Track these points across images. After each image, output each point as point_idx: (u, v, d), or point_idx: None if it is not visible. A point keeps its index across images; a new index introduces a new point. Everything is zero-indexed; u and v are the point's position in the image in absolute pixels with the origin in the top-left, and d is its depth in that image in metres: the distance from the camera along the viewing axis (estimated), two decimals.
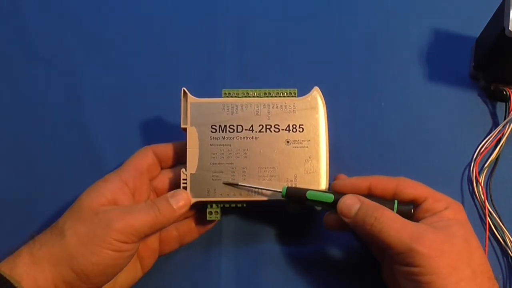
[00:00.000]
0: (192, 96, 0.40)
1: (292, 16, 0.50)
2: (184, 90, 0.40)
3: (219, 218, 0.39)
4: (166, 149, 0.41)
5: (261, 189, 0.39)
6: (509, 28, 0.40)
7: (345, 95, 0.47)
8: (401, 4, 0.50)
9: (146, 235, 0.36)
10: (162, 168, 0.41)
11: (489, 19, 0.44)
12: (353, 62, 0.48)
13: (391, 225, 0.34)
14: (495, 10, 0.43)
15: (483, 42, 0.46)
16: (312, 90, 0.41)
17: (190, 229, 0.41)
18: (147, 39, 0.50)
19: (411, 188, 0.37)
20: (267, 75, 0.48)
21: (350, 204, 0.36)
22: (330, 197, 0.37)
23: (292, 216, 0.44)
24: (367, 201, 0.36)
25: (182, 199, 0.38)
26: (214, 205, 0.39)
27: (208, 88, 0.47)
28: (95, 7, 0.51)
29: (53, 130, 0.47)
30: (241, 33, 0.50)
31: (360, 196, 0.37)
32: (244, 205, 0.40)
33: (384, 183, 0.38)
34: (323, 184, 0.39)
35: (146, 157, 0.40)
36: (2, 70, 0.49)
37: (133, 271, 0.39)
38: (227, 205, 0.40)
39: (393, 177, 0.38)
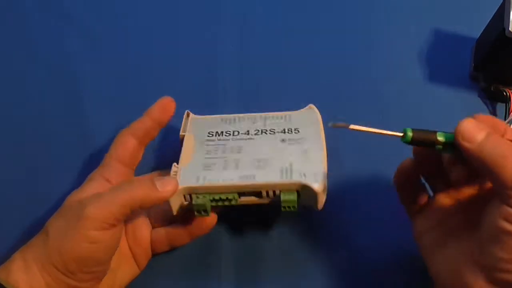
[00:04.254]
0: (194, 116, 0.41)
1: (291, 16, 0.50)
2: (187, 112, 0.41)
3: (208, 215, 0.37)
4: (143, 124, 0.39)
5: (379, 133, 0.34)
6: (509, 29, 0.40)
7: (344, 96, 0.47)
8: (401, 5, 0.50)
9: (121, 215, 0.34)
10: (146, 144, 0.40)
11: (489, 19, 0.44)
12: (353, 63, 0.48)
13: None
14: (495, 11, 0.43)
15: (483, 42, 0.45)
16: (307, 106, 0.41)
17: (180, 234, 0.39)
18: (147, 39, 0.50)
19: None
20: (265, 71, 0.48)
21: (476, 127, 0.31)
22: None
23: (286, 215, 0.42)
24: (494, 133, 0.31)
25: (170, 184, 0.35)
26: (201, 196, 0.36)
27: (207, 87, 0.48)
28: (95, 7, 0.51)
29: (53, 130, 0.47)
30: (242, 30, 0.50)
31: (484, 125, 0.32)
32: (237, 200, 0.37)
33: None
34: (322, 171, 0.36)
35: (127, 144, 0.39)
36: (2, 70, 0.49)
37: (129, 268, 0.39)
38: (217, 198, 0.36)
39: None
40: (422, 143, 0.33)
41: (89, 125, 0.47)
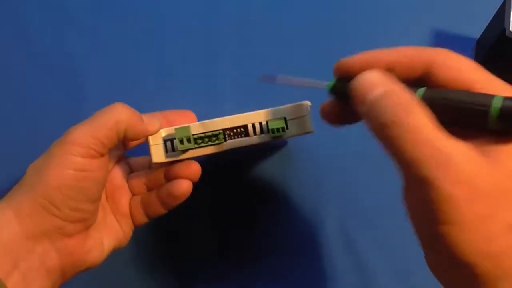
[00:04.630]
0: None
1: (291, 16, 0.50)
2: None
3: (192, 145, 0.35)
4: (156, 115, 0.37)
5: (307, 84, 0.33)
6: (510, 29, 0.40)
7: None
8: (402, 5, 0.50)
9: (108, 141, 0.32)
10: None
11: (489, 20, 0.44)
12: None
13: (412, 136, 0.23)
14: (495, 11, 0.43)
15: (484, 43, 0.45)
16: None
17: (153, 202, 0.37)
18: (147, 39, 0.50)
19: (450, 69, 0.25)
20: (265, 70, 0.48)
21: (371, 83, 0.25)
22: None
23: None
24: (397, 89, 0.25)
25: (154, 120, 0.35)
26: (182, 129, 0.34)
27: (207, 87, 0.48)
28: (96, 6, 0.51)
29: (53, 131, 0.47)
30: (241, 28, 0.50)
31: (390, 77, 0.25)
32: (222, 140, 0.35)
33: (409, 63, 0.26)
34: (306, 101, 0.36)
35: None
36: (2, 70, 0.49)
37: (114, 229, 0.36)
38: (202, 136, 0.35)
39: (428, 49, 0.27)
40: (343, 93, 0.29)
41: None
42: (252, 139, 0.35)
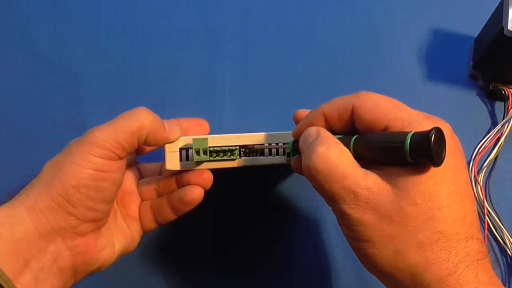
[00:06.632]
0: None
1: (291, 16, 0.50)
2: None
3: (208, 157, 0.35)
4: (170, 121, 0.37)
5: (272, 147, 0.35)
6: (508, 28, 0.40)
7: (344, 94, 0.47)
8: (400, 4, 0.50)
9: (128, 145, 0.32)
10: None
11: (488, 18, 0.44)
12: (352, 62, 0.48)
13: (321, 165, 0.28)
14: (494, 10, 0.43)
15: (482, 41, 0.46)
16: None
17: (163, 207, 0.37)
18: (147, 39, 0.50)
19: (366, 113, 0.29)
20: (265, 71, 0.49)
21: (309, 135, 0.31)
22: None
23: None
24: (324, 136, 0.30)
25: (176, 128, 0.35)
26: (200, 140, 0.34)
27: (208, 86, 0.48)
28: (96, 7, 0.51)
29: (53, 130, 0.47)
30: (241, 29, 0.50)
31: (323, 130, 0.31)
32: (236, 155, 0.35)
33: (338, 111, 0.31)
34: None
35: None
36: (2, 70, 0.49)
37: (123, 231, 0.36)
38: (218, 149, 0.35)
39: (351, 95, 0.31)
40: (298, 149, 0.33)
41: (89, 125, 0.47)
42: (267, 159, 0.36)
